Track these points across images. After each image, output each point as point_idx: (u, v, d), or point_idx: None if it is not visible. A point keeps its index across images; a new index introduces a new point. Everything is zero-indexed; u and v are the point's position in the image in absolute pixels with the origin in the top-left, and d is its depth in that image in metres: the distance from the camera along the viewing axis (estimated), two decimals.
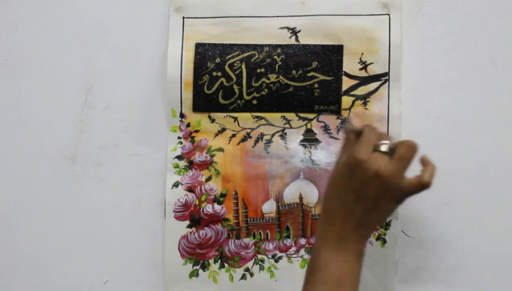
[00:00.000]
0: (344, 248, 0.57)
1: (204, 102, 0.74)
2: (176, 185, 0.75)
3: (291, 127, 0.74)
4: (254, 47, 0.74)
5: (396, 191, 0.57)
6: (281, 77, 0.74)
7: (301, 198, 0.75)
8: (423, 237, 0.74)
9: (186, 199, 0.75)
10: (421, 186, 0.58)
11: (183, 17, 0.75)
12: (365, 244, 0.58)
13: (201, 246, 0.75)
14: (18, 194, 0.77)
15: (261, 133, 0.75)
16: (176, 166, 0.75)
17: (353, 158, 0.57)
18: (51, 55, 0.77)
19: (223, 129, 0.75)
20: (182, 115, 0.75)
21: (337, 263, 0.56)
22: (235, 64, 0.74)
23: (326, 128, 0.74)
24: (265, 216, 0.75)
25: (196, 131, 0.75)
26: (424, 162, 0.60)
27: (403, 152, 0.58)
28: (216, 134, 0.75)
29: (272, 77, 0.74)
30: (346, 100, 0.73)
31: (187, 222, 0.75)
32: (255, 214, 0.75)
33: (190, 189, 0.75)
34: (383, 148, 0.57)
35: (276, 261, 0.75)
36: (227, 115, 0.75)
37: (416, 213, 0.74)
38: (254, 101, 0.74)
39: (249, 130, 0.75)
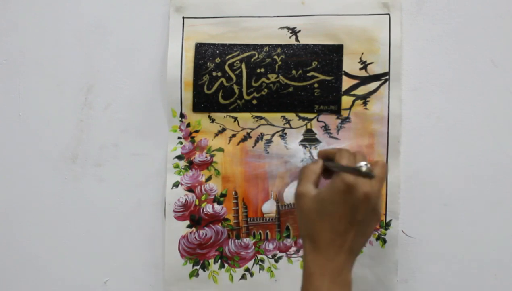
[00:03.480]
0: (340, 281, 0.56)
1: (204, 102, 0.74)
2: (176, 185, 0.75)
3: (291, 127, 0.74)
4: (254, 47, 0.74)
5: (379, 210, 0.58)
6: (281, 77, 0.74)
7: None
8: (423, 237, 0.74)
9: (186, 199, 0.75)
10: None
11: (183, 17, 0.75)
12: (351, 275, 0.58)
13: (201, 246, 0.75)
14: (18, 194, 0.77)
15: (261, 133, 0.75)
16: (176, 166, 0.75)
17: (344, 183, 0.56)
18: (51, 55, 0.77)
19: (223, 129, 0.75)
20: (182, 115, 0.75)
21: None
22: (235, 64, 0.74)
23: (326, 128, 0.74)
24: (265, 216, 0.75)
25: (196, 131, 0.75)
26: (373, 163, 0.60)
27: (380, 173, 0.58)
28: (216, 134, 0.75)
29: (272, 77, 0.74)
30: (346, 100, 0.73)
31: (187, 222, 0.75)
32: (255, 214, 0.75)
33: (190, 189, 0.75)
34: (364, 169, 0.57)
35: (276, 261, 0.75)
36: (227, 115, 0.75)
37: (416, 213, 0.74)
38: (254, 101, 0.74)
39: (249, 130, 0.75)
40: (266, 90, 0.74)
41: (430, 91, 0.74)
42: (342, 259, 0.56)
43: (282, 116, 0.74)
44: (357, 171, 0.57)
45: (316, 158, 0.65)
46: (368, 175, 0.56)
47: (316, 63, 0.74)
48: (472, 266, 0.74)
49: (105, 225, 0.77)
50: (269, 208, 0.75)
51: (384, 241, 0.74)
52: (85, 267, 0.77)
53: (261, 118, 0.74)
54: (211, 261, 0.75)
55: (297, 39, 0.74)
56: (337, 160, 0.60)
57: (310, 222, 0.58)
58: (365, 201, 0.56)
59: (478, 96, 0.73)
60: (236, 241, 0.75)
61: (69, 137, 0.77)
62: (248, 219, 0.75)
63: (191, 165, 0.75)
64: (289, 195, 0.75)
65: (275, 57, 0.74)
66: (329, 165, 0.61)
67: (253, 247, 0.75)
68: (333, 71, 0.73)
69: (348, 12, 0.73)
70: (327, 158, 0.62)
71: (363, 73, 0.73)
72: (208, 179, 0.75)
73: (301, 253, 0.75)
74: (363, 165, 0.58)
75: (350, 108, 0.74)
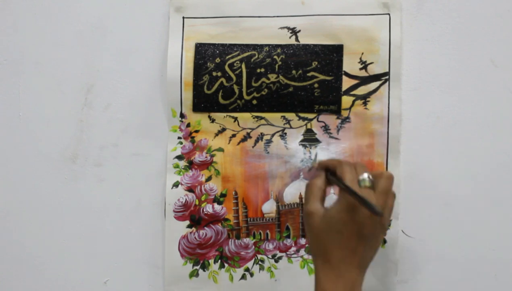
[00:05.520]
0: None
1: (204, 102, 0.74)
2: (176, 185, 0.75)
3: (291, 127, 0.74)
4: (254, 47, 0.74)
5: (384, 222, 0.58)
6: (281, 77, 0.74)
7: (301, 198, 0.75)
8: (423, 237, 0.74)
9: (186, 199, 0.75)
10: (394, 199, 0.60)
11: (183, 17, 0.75)
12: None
13: (201, 246, 0.75)
14: (18, 194, 0.77)
15: (261, 133, 0.75)
16: (176, 166, 0.75)
17: (350, 204, 0.56)
18: (51, 55, 0.77)
19: (223, 129, 0.75)
20: (182, 115, 0.75)
21: None
22: (235, 64, 0.74)
23: (326, 128, 0.74)
24: (265, 216, 0.75)
25: (196, 131, 0.75)
26: (378, 175, 0.59)
27: (384, 185, 0.58)
28: (216, 134, 0.75)
29: (272, 77, 0.74)
30: (346, 100, 0.73)
31: (187, 222, 0.75)
32: (255, 214, 0.75)
33: (190, 189, 0.75)
34: (367, 183, 0.58)
35: (276, 261, 0.75)
36: (227, 115, 0.75)
37: (416, 213, 0.74)
38: (254, 101, 0.74)
39: (249, 130, 0.75)
40: (266, 90, 0.74)
41: (430, 91, 0.74)
42: (354, 274, 0.57)
43: (282, 116, 0.74)
44: (361, 200, 0.55)
45: (316, 166, 0.65)
46: (372, 210, 0.55)
47: (316, 63, 0.74)
48: (472, 266, 0.74)
49: (105, 225, 0.77)
50: (269, 208, 0.75)
51: (384, 241, 0.74)
52: (85, 267, 0.77)
53: (261, 118, 0.74)
54: (211, 261, 0.75)
55: (297, 39, 0.74)
56: (339, 175, 0.59)
57: (320, 240, 0.58)
58: (371, 216, 0.56)
59: (478, 96, 0.73)
60: (236, 241, 0.75)
61: (69, 137, 0.77)
62: (248, 219, 0.75)
63: (191, 165, 0.75)
64: (289, 195, 0.75)
65: (275, 57, 0.74)
66: (332, 180, 0.60)
67: (253, 247, 0.75)
68: (333, 71, 0.73)
69: (348, 12, 0.73)
70: (328, 169, 0.62)
71: (363, 73, 0.73)
72: (208, 179, 0.75)
73: (301, 253, 0.75)
74: (366, 177, 0.58)
75: (350, 108, 0.74)
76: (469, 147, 0.73)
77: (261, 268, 0.75)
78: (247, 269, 0.75)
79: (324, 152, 0.74)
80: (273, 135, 0.75)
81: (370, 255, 0.59)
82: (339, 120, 0.74)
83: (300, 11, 0.74)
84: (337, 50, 0.73)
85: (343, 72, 0.73)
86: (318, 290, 0.58)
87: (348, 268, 0.57)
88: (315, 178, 0.62)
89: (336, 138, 0.74)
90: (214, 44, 0.74)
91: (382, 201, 0.57)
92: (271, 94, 0.74)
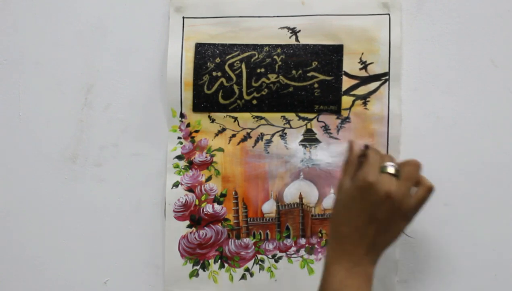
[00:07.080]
0: (356, 273, 0.57)
1: (204, 102, 0.74)
2: (176, 185, 0.75)
3: (291, 127, 0.74)
4: (254, 47, 0.74)
5: (406, 210, 0.58)
6: (281, 77, 0.74)
7: (301, 198, 0.75)
8: (423, 237, 0.74)
9: (186, 199, 0.75)
10: (428, 192, 0.59)
11: (183, 17, 0.75)
12: (374, 267, 0.58)
13: (201, 246, 0.75)
14: (18, 194, 0.77)
15: (261, 133, 0.75)
16: (176, 166, 0.75)
17: (363, 181, 0.57)
18: (51, 55, 0.77)
19: (223, 129, 0.75)
20: (182, 115, 0.75)
21: (350, 289, 0.56)
22: (235, 64, 0.74)
23: (326, 128, 0.74)
24: (265, 216, 0.75)
25: (196, 131, 0.75)
26: (404, 163, 0.60)
27: (409, 172, 0.58)
28: (216, 134, 0.75)
29: (272, 77, 0.74)
30: (346, 100, 0.73)
31: (187, 222, 0.75)
32: (255, 214, 0.75)
33: (190, 189, 0.75)
34: (390, 169, 0.58)
35: (276, 261, 0.75)
36: (227, 115, 0.75)
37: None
38: (254, 101, 0.74)
39: (249, 130, 0.75)
40: (266, 90, 0.74)
41: (430, 91, 0.74)
42: (361, 252, 0.57)
43: (282, 116, 0.74)
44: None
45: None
46: (393, 174, 0.57)
47: (316, 63, 0.74)
48: (472, 266, 0.74)
49: (105, 225, 0.77)
50: (269, 208, 0.75)
51: None
52: (85, 267, 0.77)
53: (261, 118, 0.74)
54: (211, 261, 0.75)
55: (297, 39, 0.74)
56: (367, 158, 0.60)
57: (335, 213, 0.60)
58: (386, 199, 0.56)
59: (478, 96, 0.73)
60: (236, 241, 0.75)
61: (69, 137, 0.77)
62: (248, 219, 0.75)
63: (191, 165, 0.75)
64: (289, 195, 0.75)
65: (275, 57, 0.74)
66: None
67: (253, 247, 0.75)
68: (333, 71, 0.73)
69: (348, 12, 0.73)
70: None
71: (363, 73, 0.73)
72: (208, 179, 0.75)
73: (301, 253, 0.75)
74: (387, 165, 0.58)
75: (350, 108, 0.74)
76: (469, 147, 0.73)
77: (261, 268, 0.75)
78: (247, 269, 0.75)
79: (324, 152, 0.74)
80: (273, 135, 0.75)
81: (385, 239, 0.59)
82: (339, 120, 0.74)
83: (300, 11, 0.74)
84: (337, 50, 0.73)
85: (343, 72, 0.73)
86: (325, 262, 0.59)
87: (355, 245, 0.57)
88: (348, 155, 0.62)
89: (336, 138, 0.74)
90: (214, 44, 0.74)
91: (404, 188, 0.57)
92: (271, 94, 0.74)
